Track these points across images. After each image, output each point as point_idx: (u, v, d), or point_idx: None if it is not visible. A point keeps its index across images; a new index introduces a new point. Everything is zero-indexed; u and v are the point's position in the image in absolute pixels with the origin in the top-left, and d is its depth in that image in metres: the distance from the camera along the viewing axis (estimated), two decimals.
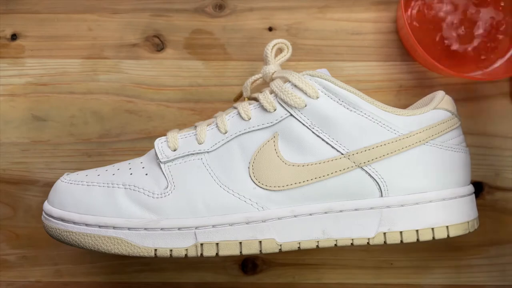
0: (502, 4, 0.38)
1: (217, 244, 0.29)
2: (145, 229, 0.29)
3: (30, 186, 0.39)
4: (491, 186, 0.38)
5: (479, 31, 0.38)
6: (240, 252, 0.30)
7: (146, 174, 0.31)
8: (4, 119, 0.39)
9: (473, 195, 0.33)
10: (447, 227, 0.31)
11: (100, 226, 0.29)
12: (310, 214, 0.30)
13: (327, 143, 0.30)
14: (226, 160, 0.30)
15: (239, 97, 0.36)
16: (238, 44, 0.39)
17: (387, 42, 0.39)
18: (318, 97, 0.30)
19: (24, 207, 0.38)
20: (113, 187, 0.30)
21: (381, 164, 0.30)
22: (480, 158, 0.38)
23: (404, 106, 0.37)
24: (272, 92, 0.31)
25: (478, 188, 0.38)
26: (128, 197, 0.30)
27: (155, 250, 0.29)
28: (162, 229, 0.29)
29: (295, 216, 0.30)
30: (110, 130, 0.39)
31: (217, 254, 0.29)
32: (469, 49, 0.38)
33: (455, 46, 0.38)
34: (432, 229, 0.30)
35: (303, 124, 0.30)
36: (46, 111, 0.39)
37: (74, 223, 0.30)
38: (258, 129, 0.31)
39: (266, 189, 0.30)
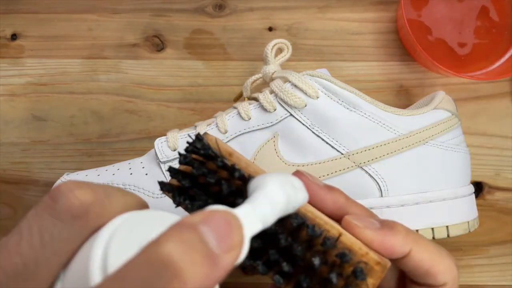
0: (502, 5, 0.38)
1: None
2: None
3: (30, 186, 0.39)
4: (491, 186, 0.38)
5: (479, 31, 0.38)
6: None
7: (146, 174, 0.31)
8: (4, 119, 0.39)
9: (473, 195, 0.33)
10: (447, 227, 0.31)
11: None
12: None
13: (327, 143, 0.30)
14: None
15: (239, 97, 0.36)
16: (238, 44, 0.39)
17: (387, 42, 0.39)
18: (318, 97, 0.30)
19: (24, 207, 0.38)
20: None
21: (381, 164, 0.30)
22: (480, 158, 0.38)
23: (404, 106, 0.37)
24: (272, 92, 0.31)
25: (478, 188, 0.38)
26: None
27: None
28: None
29: None
30: (110, 130, 0.39)
31: None
32: (469, 49, 0.38)
33: (455, 46, 0.38)
34: (432, 229, 0.30)
35: (303, 124, 0.30)
36: (46, 111, 0.39)
37: None
38: (258, 129, 0.30)
39: None
